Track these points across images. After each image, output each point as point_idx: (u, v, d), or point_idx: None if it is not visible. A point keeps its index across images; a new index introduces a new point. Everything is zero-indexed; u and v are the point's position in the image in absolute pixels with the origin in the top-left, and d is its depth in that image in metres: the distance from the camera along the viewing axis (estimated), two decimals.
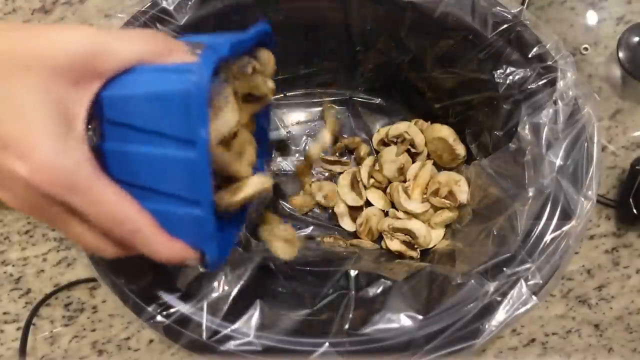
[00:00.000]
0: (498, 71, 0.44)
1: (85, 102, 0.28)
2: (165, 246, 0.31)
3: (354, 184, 0.56)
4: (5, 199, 0.28)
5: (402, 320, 0.40)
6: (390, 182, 0.55)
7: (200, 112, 0.27)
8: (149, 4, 0.43)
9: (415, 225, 0.52)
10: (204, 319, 0.39)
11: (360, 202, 0.56)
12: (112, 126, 0.30)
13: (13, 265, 0.57)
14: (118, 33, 0.30)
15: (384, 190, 0.57)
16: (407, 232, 0.52)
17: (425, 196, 0.53)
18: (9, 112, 0.26)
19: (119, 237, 0.30)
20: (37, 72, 0.26)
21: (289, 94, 0.59)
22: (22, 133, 0.26)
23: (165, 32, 0.32)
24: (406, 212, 0.54)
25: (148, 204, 0.30)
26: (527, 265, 0.39)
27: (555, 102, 0.41)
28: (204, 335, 0.39)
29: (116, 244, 0.31)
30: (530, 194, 0.41)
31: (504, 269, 0.39)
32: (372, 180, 0.56)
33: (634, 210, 0.54)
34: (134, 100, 0.29)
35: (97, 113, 0.30)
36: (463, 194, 0.52)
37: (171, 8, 0.43)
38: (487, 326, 0.38)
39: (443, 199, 0.51)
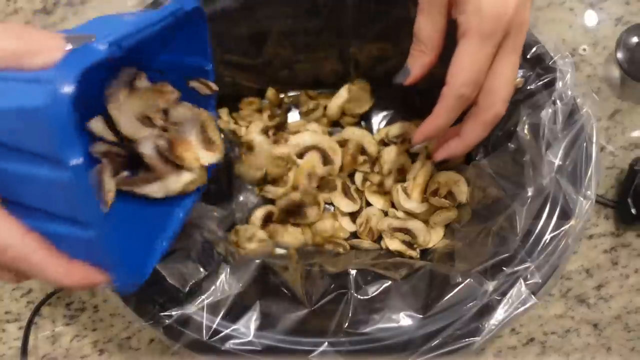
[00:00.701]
0: None
1: None
2: (63, 271, 0.27)
3: (346, 191, 0.56)
4: None
5: (402, 319, 0.40)
6: (383, 182, 0.55)
7: (66, 131, 0.23)
8: (149, 4, 0.43)
9: (414, 225, 0.52)
10: (204, 319, 0.40)
11: (356, 207, 0.56)
12: None
13: None
14: None
15: (383, 191, 0.57)
16: (407, 231, 0.53)
17: (424, 196, 0.53)
18: None
19: (5, 266, 0.27)
20: None
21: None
22: None
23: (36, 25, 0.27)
24: (406, 212, 0.54)
25: (38, 225, 0.27)
26: (526, 265, 0.39)
27: (554, 103, 0.41)
28: (205, 335, 0.39)
29: (8, 272, 0.28)
30: (530, 193, 0.41)
31: (503, 268, 0.40)
32: (368, 183, 0.56)
33: (633, 210, 0.54)
34: None
35: None
36: (462, 194, 0.52)
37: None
38: (486, 325, 0.38)
39: (442, 199, 0.51)
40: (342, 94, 0.56)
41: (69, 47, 0.25)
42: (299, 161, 0.56)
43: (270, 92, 0.56)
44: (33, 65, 0.25)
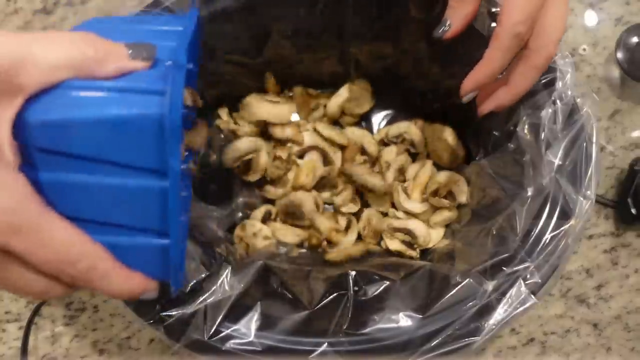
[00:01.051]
0: None
1: (5, 125, 0.24)
2: (124, 280, 0.28)
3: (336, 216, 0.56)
4: None
5: (401, 319, 0.40)
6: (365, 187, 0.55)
7: (174, 141, 0.24)
8: (149, 3, 0.43)
9: (414, 225, 0.52)
10: (205, 319, 0.40)
11: (356, 208, 0.56)
12: (44, 154, 0.25)
13: None
14: (41, 36, 0.24)
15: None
16: (407, 231, 0.52)
17: (424, 196, 0.53)
18: None
19: (70, 277, 0.26)
20: None
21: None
22: None
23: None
24: (406, 212, 0.54)
25: (99, 237, 0.27)
26: (526, 265, 0.39)
27: (554, 102, 0.41)
28: (205, 335, 0.39)
29: (66, 284, 0.27)
30: (529, 193, 0.41)
31: (503, 268, 0.40)
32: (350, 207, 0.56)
33: (633, 210, 0.54)
34: (78, 125, 0.24)
35: (20, 138, 0.25)
36: (462, 194, 0.52)
37: (174, 8, 0.43)
38: (485, 325, 0.38)
39: (442, 199, 0.51)
40: (343, 93, 0.56)
41: (132, 53, 0.26)
42: (299, 161, 0.56)
43: (270, 82, 0.56)
44: (104, 73, 0.25)
